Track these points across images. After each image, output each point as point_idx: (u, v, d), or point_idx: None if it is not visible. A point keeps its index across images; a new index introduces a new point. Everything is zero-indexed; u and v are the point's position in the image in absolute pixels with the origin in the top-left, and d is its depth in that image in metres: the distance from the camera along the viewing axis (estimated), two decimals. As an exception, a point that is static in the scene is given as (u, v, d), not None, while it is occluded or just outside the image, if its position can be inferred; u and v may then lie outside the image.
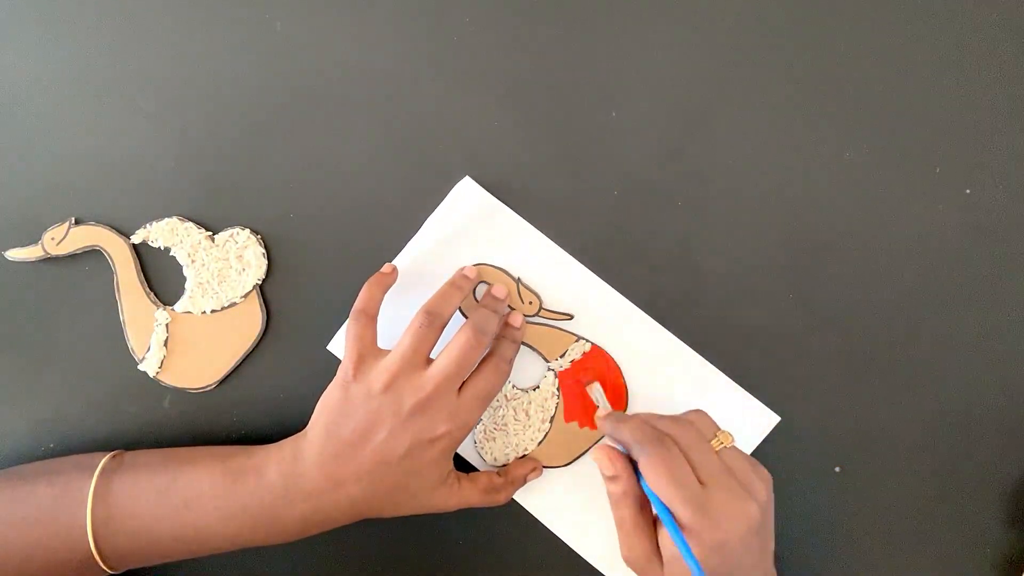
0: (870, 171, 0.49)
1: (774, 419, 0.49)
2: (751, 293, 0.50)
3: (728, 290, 0.50)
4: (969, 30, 0.49)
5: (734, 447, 0.44)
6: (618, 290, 0.50)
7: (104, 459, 0.45)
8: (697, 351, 0.49)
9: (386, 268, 0.48)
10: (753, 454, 0.49)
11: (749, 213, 0.50)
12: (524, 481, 0.49)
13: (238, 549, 0.45)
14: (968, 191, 0.49)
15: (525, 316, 0.49)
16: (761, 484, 0.42)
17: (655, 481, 0.41)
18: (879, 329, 0.50)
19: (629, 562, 0.44)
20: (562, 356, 0.49)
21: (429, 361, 0.45)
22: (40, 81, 0.50)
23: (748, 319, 0.50)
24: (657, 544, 0.43)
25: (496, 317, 0.47)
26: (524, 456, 0.49)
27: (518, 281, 0.50)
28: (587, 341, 0.50)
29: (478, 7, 0.50)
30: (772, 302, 0.50)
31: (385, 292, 0.47)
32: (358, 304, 0.46)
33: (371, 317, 0.46)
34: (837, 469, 0.50)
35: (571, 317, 0.50)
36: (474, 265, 0.49)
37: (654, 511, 0.43)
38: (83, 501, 0.43)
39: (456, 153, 0.50)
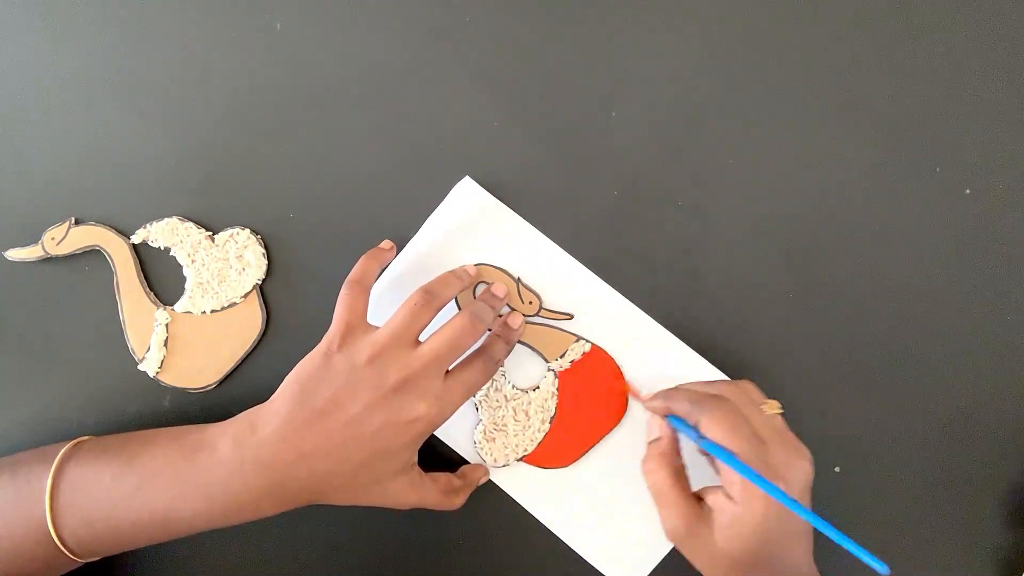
0: (870, 171, 0.49)
1: (774, 419, 0.49)
2: (751, 293, 0.50)
3: (728, 290, 0.50)
4: (969, 30, 0.49)
5: (781, 417, 0.44)
6: (618, 290, 0.50)
7: (65, 448, 0.44)
8: (697, 351, 0.49)
9: (385, 244, 0.48)
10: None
11: (749, 213, 0.50)
12: (476, 484, 0.49)
13: (200, 532, 0.43)
14: (968, 191, 0.49)
15: (525, 316, 0.49)
16: (806, 451, 0.43)
17: (719, 434, 0.41)
18: (879, 329, 0.50)
19: (673, 534, 0.43)
20: (562, 356, 0.49)
21: (418, 343, 0.44)
22: (40, 81, 0.50)
23: (748, 319, 0.50)
24: (700, 512, 0.42)
25: (493, 313, 0.46)
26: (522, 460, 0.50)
27: (518, 281, 0.50)
28: (587, 341, 0.49)
29: (478, 7, 0.50)
30: (772, 302, 0.50)
31: (381, 267, 0.47)
32: (353, 274, 0.45)
33: (365, 288, 0.45)
34: (837, 469, 0.50)
35: (571, 317, 0.50)
36: (474, 265, 0.49)
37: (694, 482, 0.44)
38: (42, 492, 0.42)
39: (456, 153, 0.50)
